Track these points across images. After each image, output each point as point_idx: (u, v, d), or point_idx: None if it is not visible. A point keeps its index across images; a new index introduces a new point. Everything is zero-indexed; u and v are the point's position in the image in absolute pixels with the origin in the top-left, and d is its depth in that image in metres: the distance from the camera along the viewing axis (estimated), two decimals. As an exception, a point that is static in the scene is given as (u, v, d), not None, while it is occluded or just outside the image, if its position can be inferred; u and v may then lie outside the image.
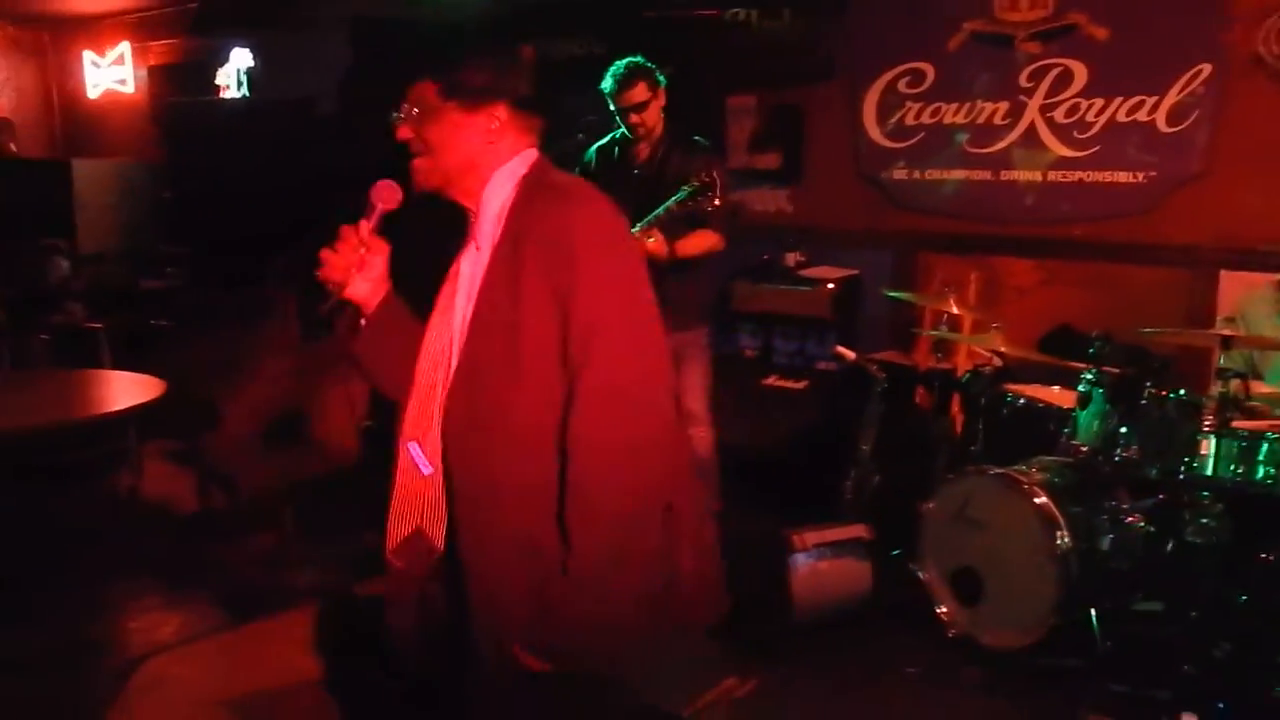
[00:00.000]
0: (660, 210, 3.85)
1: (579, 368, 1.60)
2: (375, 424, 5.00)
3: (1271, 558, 3.56)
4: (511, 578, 1.64)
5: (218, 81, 7.84)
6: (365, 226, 1.81)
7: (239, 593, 4.15)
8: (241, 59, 7.77)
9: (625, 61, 4.14)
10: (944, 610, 3.72)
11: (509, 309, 1.65)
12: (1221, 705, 3.18)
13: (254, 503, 4.86)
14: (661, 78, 4.18)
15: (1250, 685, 3.24)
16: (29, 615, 3.90)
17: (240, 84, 7.77)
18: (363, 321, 1.87)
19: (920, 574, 3.79)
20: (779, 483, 4.62)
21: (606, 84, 4.12)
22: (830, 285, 5.24)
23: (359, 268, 1.81)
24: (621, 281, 1.66)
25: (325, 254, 1.80)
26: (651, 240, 3.83)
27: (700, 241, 4.06)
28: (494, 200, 1.76)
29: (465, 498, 1.70)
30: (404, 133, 1.75)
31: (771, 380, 5.23)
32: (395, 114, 1.75)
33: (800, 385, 5.17)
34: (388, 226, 1.85)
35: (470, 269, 1.78)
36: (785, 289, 5.33)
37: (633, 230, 3.93)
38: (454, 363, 1.73)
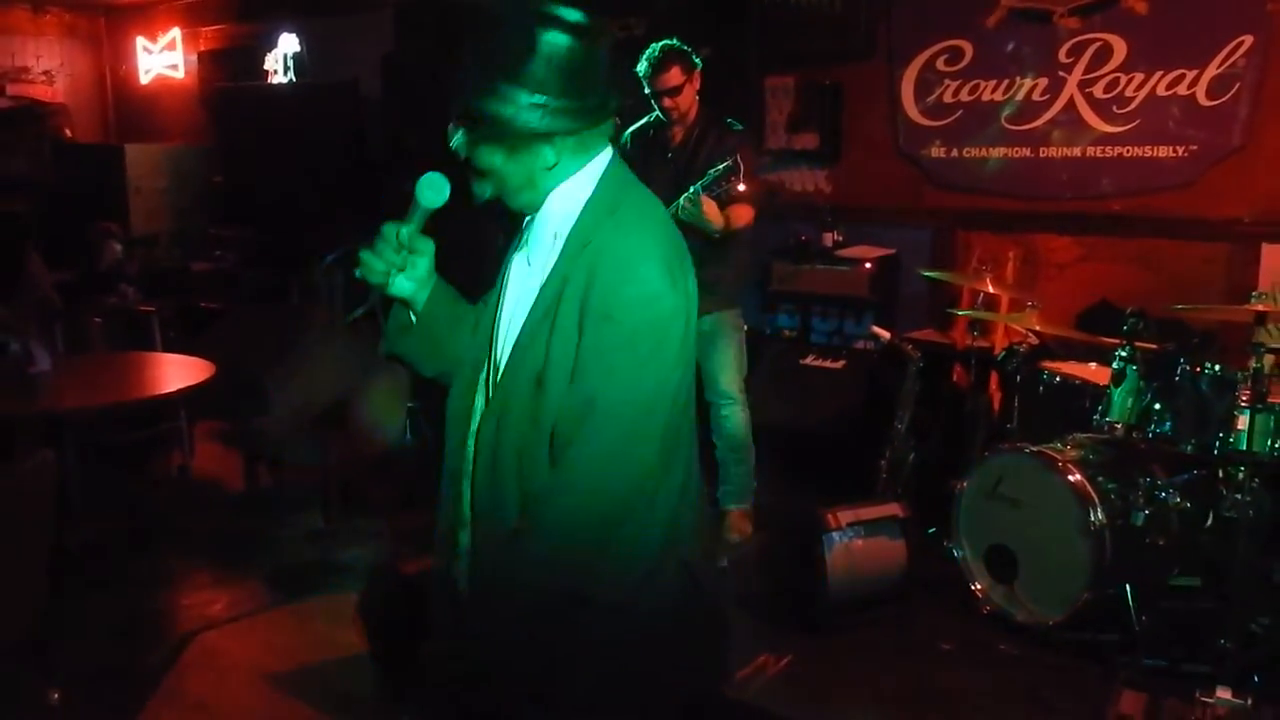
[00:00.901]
0: (687, 196, 3.88)
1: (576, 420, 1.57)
2: (420, 405, 5.12)
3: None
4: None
5: (266, 66, 7.98)
6: (405, 229, 1.68)
7: (287, 570, 4.29)
8: (289, 44, 7.89)
9: (660, 45, 4.16)
10: (978, 587, 3.76)
11: (547, 335, 1.60)
12: (1258, 679, 3.19)
13: (301, 483, 5.00)
14: (697, 60, 4.20)
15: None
16: (95, 587, 4.06)
17: (287, 69, 7.90)
18: (411, 318, 1.78)
19: (955, 551, 3.83)
20: (816, 461, 4.67)
21: (641, 67, 4.15)
22: (868, 265, 5.25)
23: (401, 268, 1.71)
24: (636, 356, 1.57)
25: (364, 255, 1.70)
26: (706, 207, 3.82)
27: (741, 214, 4.08)
28: (554, 217, 1.65)
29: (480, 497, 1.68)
30: (461, 152, 1.64)
31: (810, 360, 5.27)
32: (452, 127, 1.63)
33: (838, 365, 5.20)
34: (435, 218, 1.73)
35: (521, 281, 1.70)
36: (823, 269, 5.35)
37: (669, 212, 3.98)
38: (496, 374, 1.68)
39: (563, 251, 1.62)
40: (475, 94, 1.57)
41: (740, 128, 4.30)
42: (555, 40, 1.54)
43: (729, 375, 4.28)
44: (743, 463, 4.30)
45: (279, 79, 7.93)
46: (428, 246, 1.73)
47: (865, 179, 5.59)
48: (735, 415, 4.27)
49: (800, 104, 5.67)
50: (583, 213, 1.63)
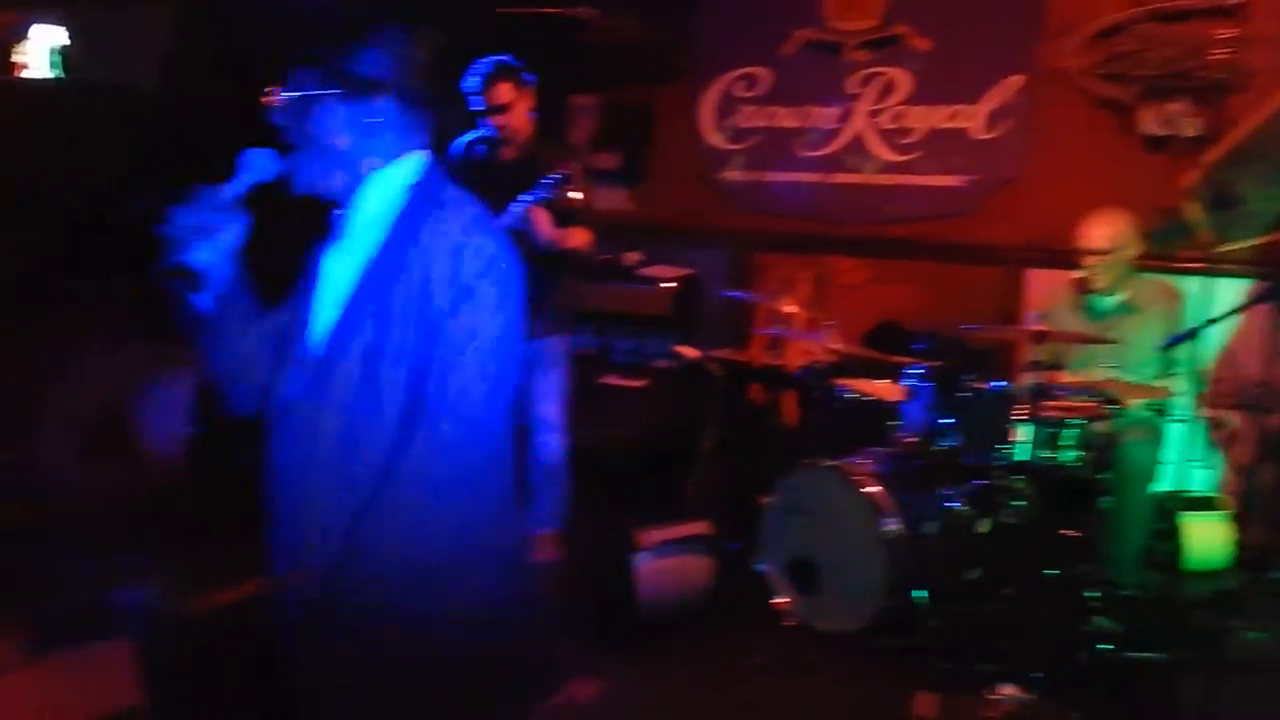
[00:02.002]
0: (519, 205, 3.81)
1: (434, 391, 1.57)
2: (203, 429, 4.81)
3: (1074, 533, 3.85)
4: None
5: (15, 59, 7.32)
6: (225, 190, 1.64)
7: (53, 617, 3.92)
8: (49, 35, 7.28)
9: (491, 59, 4.04)
10: (782, 600, 3.85)
11: (377, 322, 1.58)
12: (1038, 675, 3.40)
13: (75, 519, 4.60)
14: (530, 78, 4.09)
15: (1061, 654, 3.48)
16: None
17: (51, 64, 7.29)
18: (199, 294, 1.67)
19: (760, 566, 3.91)
20: (621, 481, 4.68)
21: (469, 82, 4.01)
22: (669, 284, 5.33)
23: (208, 233, 1.62)
24: (502, 324, 1.61)
25: (173, 209, 1.62)
26: (534, 217, 3.78)
27: (578, 236, 4.02)
28: (373, 202, 1.66)
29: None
30: (277, 119, 1.64)
31: (610, 379, 5.28)
32: (267, 92, 1.63)
33: (639, 384, 5.24)
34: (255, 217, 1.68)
35: (340, 271, 1.68)
36: (624, 288, 5.39)
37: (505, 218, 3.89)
38: (312, 368, 1.65)
39: (389, 239, 1.62)
40: (339, 48, 1.61)
41: (571, 145, 4.25)
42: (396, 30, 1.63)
43: (551, 403, 4.20)
44: (555, 487, 4.24)
45: (35, 73, 7.30)
46: (238, 221, 1.66)
47: (668, 200, 5.69)
48: (553, 443, 4.20)
49: (604, 123, 5.72)
50: (408, 202, 1.64)
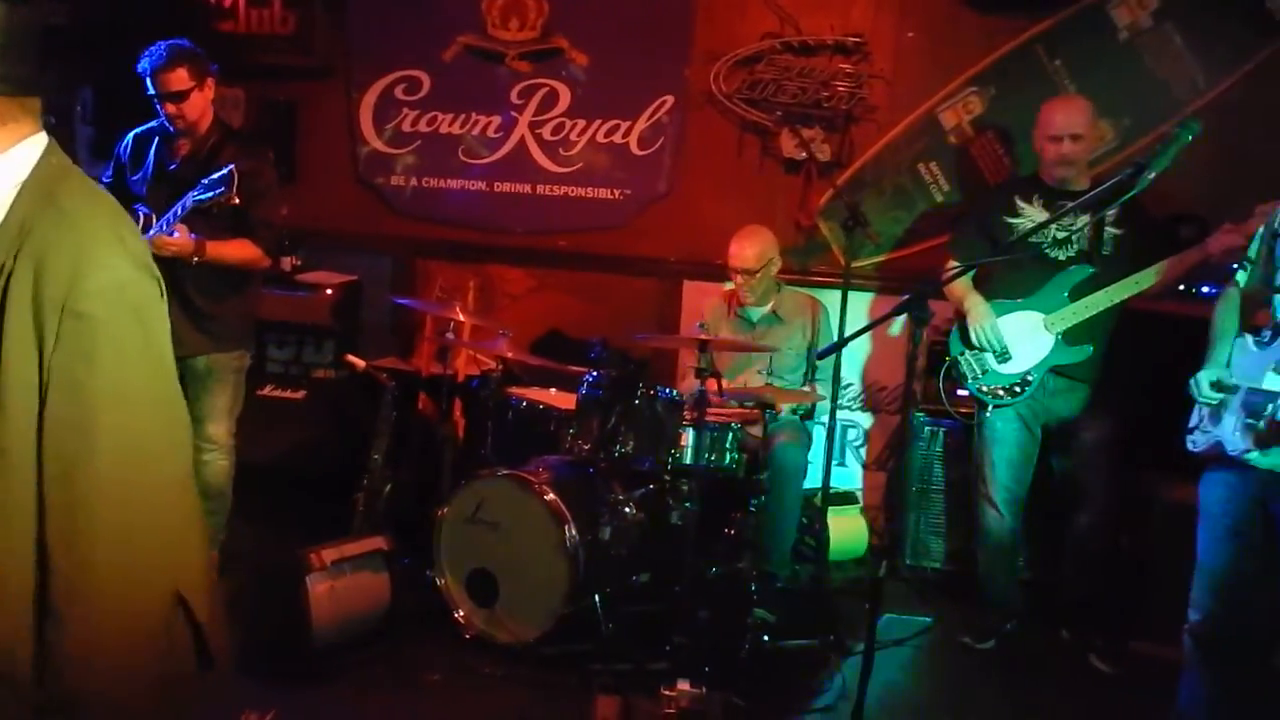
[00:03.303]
0: (179, 206, 3.49)
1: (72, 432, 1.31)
2: None
3: (733, 531, 4.10)
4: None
5: None
6: None
7: None
8: None
9: (167, 43, 3.67)
10: (461, 613, 3.79)
11: None
12: (707, 669, 3.57)
13: None
14: (212, 66, 3.78)
15: (725, 647, 3.69)
16: None
17: None
18: None
19: (437, 580, 3.83)
20: (285, 498, 4.42)
21: (142, 64, 3.64)
22: (329, 291, 5.10)
23: None
24: (123, 354, 1.35)
25: None
26: (176, 234, 3.47)
27: (236, 250, 3.71)
28: None
29: None
30: None
31: (267, 390, 4.97)
32: None
33: (298, 395, 4.98)
34: None
35: None
36: (281, 294, 5.07)
37: (155, 226, 3.53)
38: None
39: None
40: None
41: (263, 146, 3.94)
42: None
43: (220, 422, 3.85)
44: (217, 513, 3.90)
45: None
46: None
47: (325, 203, 5.43)
48: (218, 463, 3.86)
49: (251, 119, 5.37)
50: (16, 198, 1.36)
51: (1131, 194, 2.99)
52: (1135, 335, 3.88)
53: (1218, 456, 2.87)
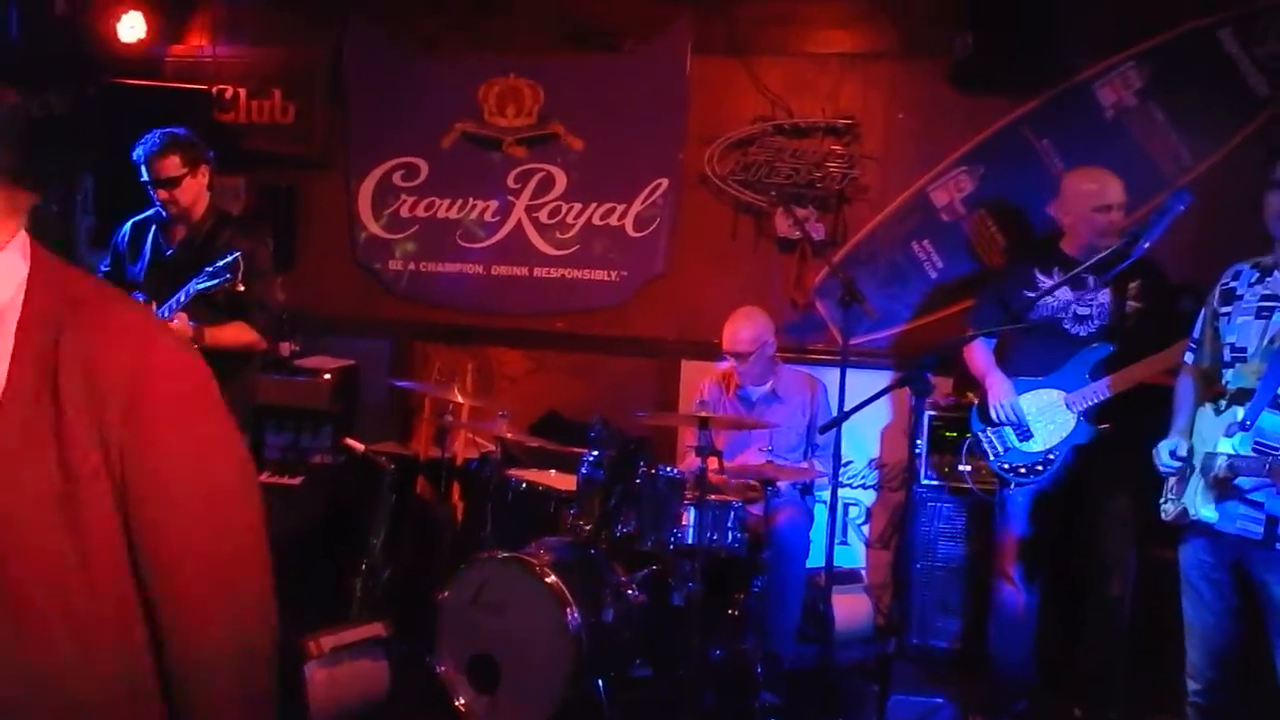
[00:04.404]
0: (182, 294, 3.51)
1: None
2: None
3: (736, 612, 4.05)
4: None
5: None
6: None
7: None
8: None
9: (161, 130, 3.75)
10: (462, 702, 3.71)
11: (41, 452, 1.24)
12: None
13: None
14: (208, 153, 3.84)
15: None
16: None
17: None
18: None
19: (437, 666, 3.76)
20: (286, 585, 4.34)
21: (137, 152, 3.71)
22: (327, 376, 5.09)
23: None
24: (205, 449, 1.34)
25: None
26: (176, 323, 3.48)
27: (233, 334, 3.74)
28: None
29: None
30: None
31: (264, 477, 4.93)
32: None
33: (296, 481, 4.94)
34: None
35: None
36: (279, 380, 5.07)
37: (156, 311, 3.55)
38: None
39: (18, 344, 1.25)
40: None
41: (259, 228, 3.99)
42: None
43: None
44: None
45: None
46: None
47: (323, 288, 5.46)
48: None
49: (251, 207, 5.43)
50: (27, 298, 1.27)
51: (1128, 263, 3.04)
52: (1153, 404, 3.83)
53: (1189, 525, 2.96)
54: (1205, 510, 2.86)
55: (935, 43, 4.86)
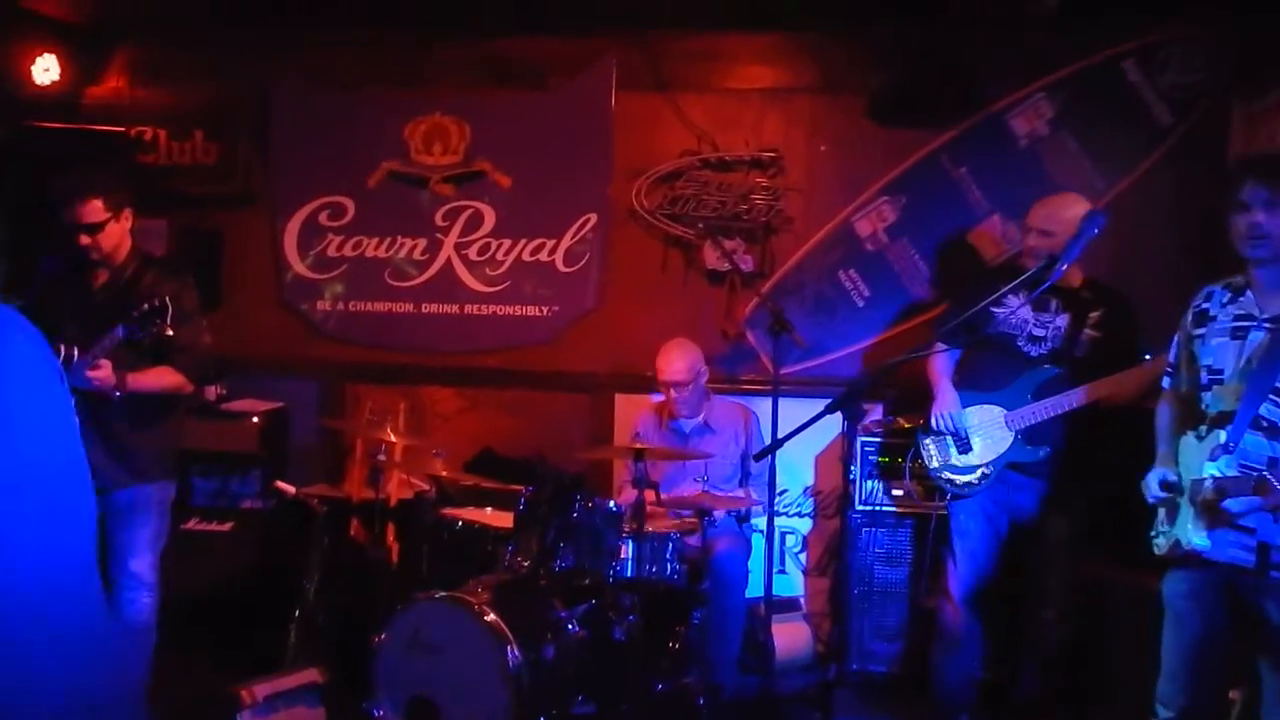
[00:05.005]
0: (106, 340, 3.41)
1: None
2: None
3: (677, 645, 4.04)
4: None
5: None
6: None
7: None
8: None
9: (82, 173, 3.65)
10: (401, 745, 3.64)
11: None
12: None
13: None
14: (126, 196, 3.73)
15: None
16: None
17: None
18: None
19: (375, 711, 3.69)
20: (215, 633, 4.24)
21: (57, 196, 3.59)
22: (255, 419, 5.01)
23: None
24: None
25: None
26: (99, 369, 3.39)
27: (157, 378, 3.65)
28: None
29: None
30: None
31: (192, 524, 4.82)
32: None
33: (225, 527, 4.84)
34: None
35: None
36: (205, 424, 4.97)
37: (78, 361, 3.44)
38: None
39: None
40: None
41: (183, 270, 3.88)
42: None
43: (143, 558, 3.69)
44: (141, 649, 3.73)
45: None
46: None
47: (250, 330, 5.37)
48: (141, 600, 3.70)
49: (174, 249, 5.32)
50: None
51: (1047, 284, 3.12)
52: (1094, 430, 3.87)
53: (1181, 557, 2.89)
54: (1197, 539, 2.79)
55: (853, 78, 4.99)
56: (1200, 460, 2.83)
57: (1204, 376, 2.92)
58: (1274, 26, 4.31)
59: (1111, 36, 4.82)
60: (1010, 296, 3.81)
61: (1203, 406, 2.92)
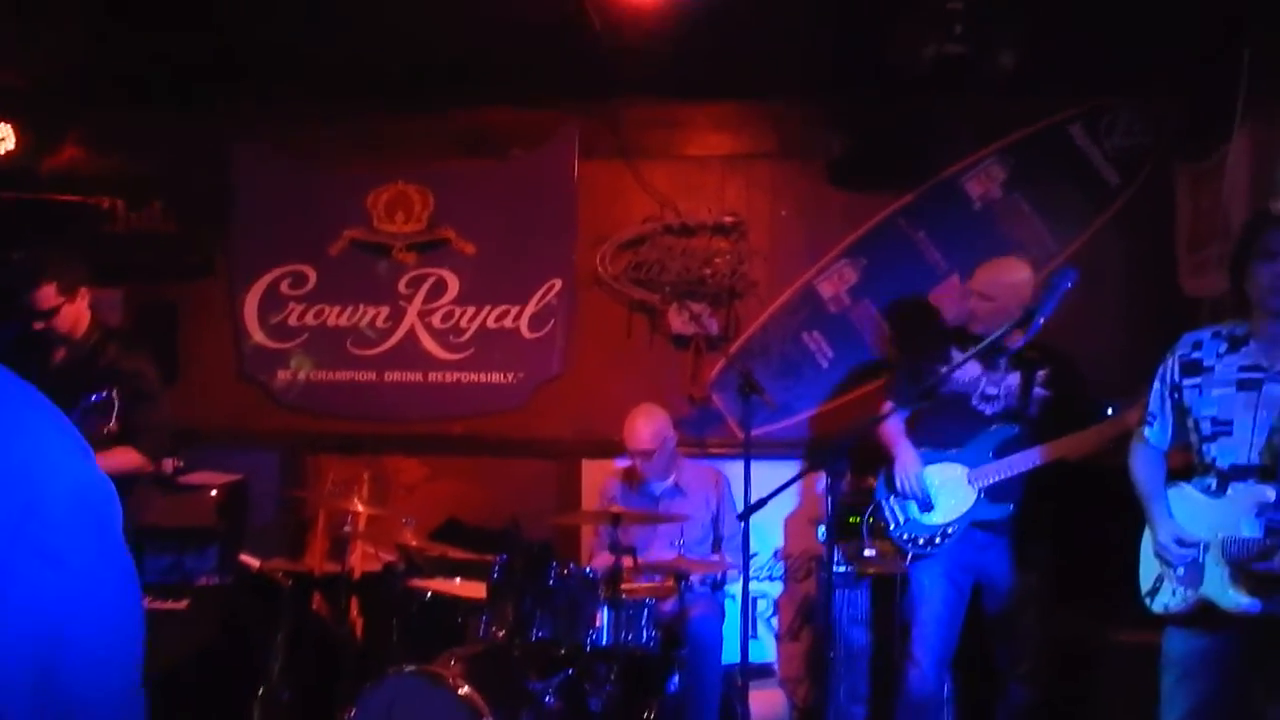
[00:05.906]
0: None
1: None
2: None
3: (652, 715, 3.96)
4: None
5: None
6: None
7: None
8: None
9: (32, 256, 3.57)
10: (373, 827, 3.51)
11: None
12: None
13: None
14: (79, 278, 3.65)
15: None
16: None
17: None
18: None
19: (346, 791, 3.56)
20: (173, 715, 4.08)
21: (4, 281, 3.54)
22: (213, 492, 4.87)
23: None
24: None
25: None
26: None
27: (117, 460, 3.57)
28: None
29: None
30: None
31: (146, 603, 4.65)
32: None
33: (181, 605, 4.67)
34: None
35: None
36: (160, 499, 4.83)
37: None
38: None
39: None
40: None
41: (142, 347, 3.79)
42: None
43: None
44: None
45: None
46: None
47: (208, 400, 5.26)
48: None
49: (130, 321, 5.23)
50: None
51: (1026, 340, 3.15)
52: (1056, 485, 3.90)
53: (1192, 615, 2.82)
54: (1241, 599, 2.71)
55: (812, 143, 5.08)
56: (1218, 516, 2.78)
57: (1206, 428, 2.86)
58: (1216, 89, 4.47)
59: (1058, 101, 4.97)
60: (959, 354, 3.87)
61: (1208, 459, 2.87)
